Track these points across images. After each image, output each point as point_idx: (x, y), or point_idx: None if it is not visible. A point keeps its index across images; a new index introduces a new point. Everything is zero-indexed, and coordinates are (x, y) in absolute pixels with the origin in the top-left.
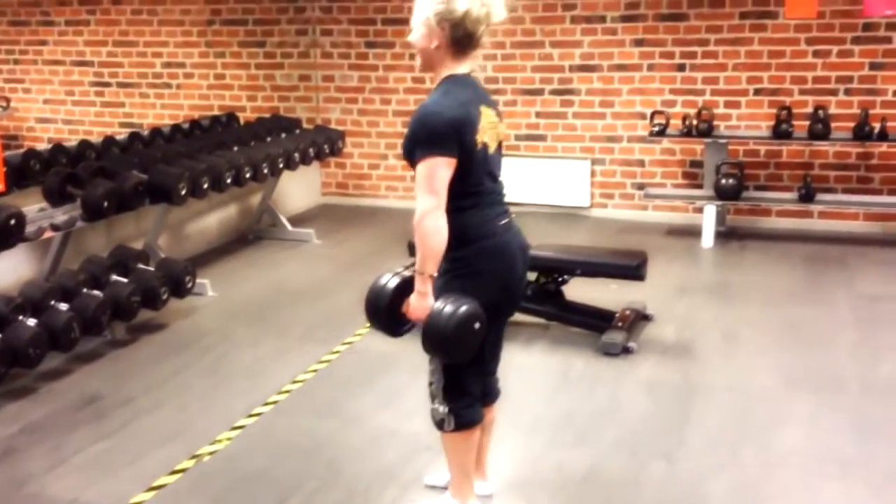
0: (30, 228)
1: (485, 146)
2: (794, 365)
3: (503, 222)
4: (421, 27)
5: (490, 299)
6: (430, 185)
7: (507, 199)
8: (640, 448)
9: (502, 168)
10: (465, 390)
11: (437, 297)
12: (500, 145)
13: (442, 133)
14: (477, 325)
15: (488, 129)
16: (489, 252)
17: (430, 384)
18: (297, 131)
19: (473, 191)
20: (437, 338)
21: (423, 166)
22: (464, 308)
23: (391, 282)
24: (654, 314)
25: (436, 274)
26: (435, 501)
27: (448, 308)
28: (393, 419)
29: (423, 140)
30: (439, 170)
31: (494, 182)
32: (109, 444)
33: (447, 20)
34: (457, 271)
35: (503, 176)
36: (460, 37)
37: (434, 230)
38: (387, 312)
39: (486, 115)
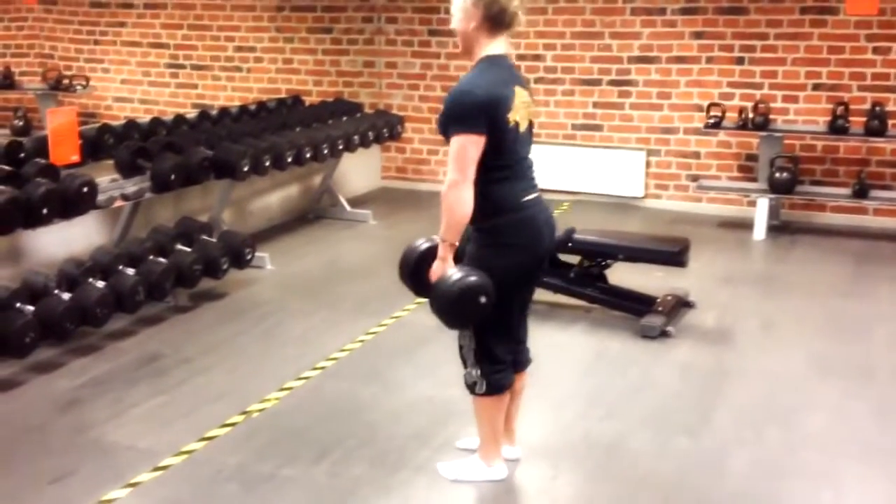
0: (101, 197)
1: (517, 124)
2: (828, 354)
3: (530, 197)
4: (458, 11)
5: (516, 269)
6: (459, 160)
7: (535, 176)
8: (666, 423)
9: (532, 146)
10: (496, 356)
11: (465, 264)
12: (531, 125)
13: (474, 112)
14: (483, 299)
15: (521, 109)
16: (515, 224)
17: (461, 347)
18: (359, 115)
19: (504, 165)
20: (439, 301)
21: (455, 142)
22: (471, 279)
23: (422, 245)
24: (697, 302)
25: (457, 243)
26: (463, 462)
27: (457, 275)
28: (431, 387)
29: (455, 117)
30: (469, 147)
31: (524, 159)
32: (166, 399)
33: None
34: (486, 240)
35: (532, 154)
36: (495, 13)
37: (458, 202)
38: (411, 270)
39: (520, 95)
